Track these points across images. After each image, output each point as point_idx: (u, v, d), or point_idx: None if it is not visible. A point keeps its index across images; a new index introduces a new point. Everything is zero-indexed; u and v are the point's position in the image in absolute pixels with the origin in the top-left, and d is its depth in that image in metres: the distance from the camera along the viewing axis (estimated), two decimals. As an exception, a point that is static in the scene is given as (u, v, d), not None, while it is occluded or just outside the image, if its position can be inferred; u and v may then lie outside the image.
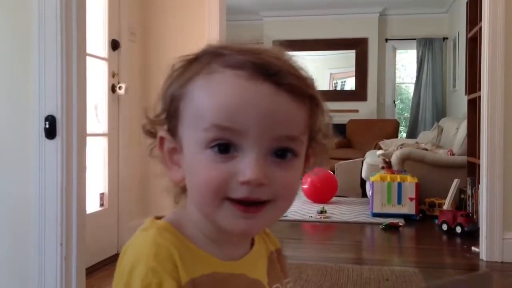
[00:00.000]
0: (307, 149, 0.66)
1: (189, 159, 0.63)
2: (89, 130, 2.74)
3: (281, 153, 0.61)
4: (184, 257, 0.61)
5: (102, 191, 2.99)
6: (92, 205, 2.88)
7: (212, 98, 0.60)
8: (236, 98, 0.60)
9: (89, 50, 2.73)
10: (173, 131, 0.66)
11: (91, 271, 2.64)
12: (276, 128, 0.60)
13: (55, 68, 1.86)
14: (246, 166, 0.59)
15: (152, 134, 0.69)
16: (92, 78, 2.81)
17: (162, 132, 0.67)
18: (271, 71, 0.60)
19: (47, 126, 1.87)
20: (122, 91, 3.03)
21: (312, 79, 0.65)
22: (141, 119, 0.68)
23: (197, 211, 0.65)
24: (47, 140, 1.87)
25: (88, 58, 2.67)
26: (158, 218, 0.67)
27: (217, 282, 0.62)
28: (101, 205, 2.98)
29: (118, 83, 3.05)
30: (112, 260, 2.94)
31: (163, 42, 3.31)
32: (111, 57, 3.03)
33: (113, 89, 3.03)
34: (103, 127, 3.00)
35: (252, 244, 0.70)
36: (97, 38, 2.95)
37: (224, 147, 0.60)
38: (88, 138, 2.69)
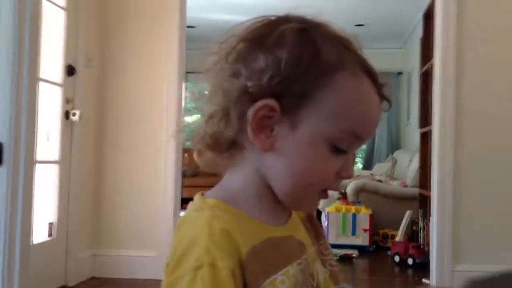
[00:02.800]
0: None
1: (301, 144, 0.64)
2: (40, 157, 2.66)
3: None
4: (241, 229, 0.62)
5: (51, 221, 2.89)
6: (40, 235, 2.77)
7: (363, 106, 0.65)
8: (376, 111, 0.66)
9: (42, 75, 2.68)
10: (287, 108, 0.62)
11: (36, 304, 2.52)
12: None
13: (3, 92, 1.81)
14: (350, 164, 0.67)
15: (249, 94, 0.62)
16: (45, 104, 2.75)
17: (271, 101, 0.62)
18: (377, 79, 0.66)
19: (-7, 152, 1.80)
20: (76, 118, 2.97)
21: None
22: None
23: (260, 181, 0.67)
24: (-7, 167, 1.80)
25: (41, 83, 2.62)
26: (203, 193, 0.69)
27: (274, 245, 0.66)
28: (50, 235, 2.88)
29: (73, 109, 2.99)
30: (59, 292, 2.82)
31: (121, 68, 3.27)
32: (66, 82, 2.97)
33: (66, 115, 2.96)
34: (55, 154, 2.92)
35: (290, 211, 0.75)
36: (52, 63, 2.89)
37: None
38: (39, 166, 2.62)
